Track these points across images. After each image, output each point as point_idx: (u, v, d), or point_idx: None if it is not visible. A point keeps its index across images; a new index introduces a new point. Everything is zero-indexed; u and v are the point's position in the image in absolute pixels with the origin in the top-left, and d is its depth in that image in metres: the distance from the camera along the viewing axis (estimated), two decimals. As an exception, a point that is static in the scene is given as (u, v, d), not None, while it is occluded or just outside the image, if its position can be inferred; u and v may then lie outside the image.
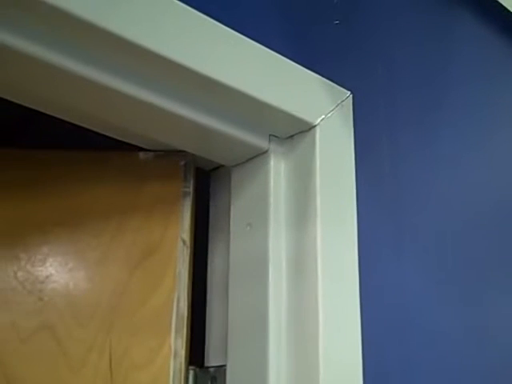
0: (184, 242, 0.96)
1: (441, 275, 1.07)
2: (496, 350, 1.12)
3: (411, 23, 1.16)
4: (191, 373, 0.95)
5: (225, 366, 0.93)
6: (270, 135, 0.93)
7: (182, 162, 1.00)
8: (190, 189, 0.99)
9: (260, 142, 0.92)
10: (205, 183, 1.05)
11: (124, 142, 0.94)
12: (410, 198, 1.06)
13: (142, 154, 1.00)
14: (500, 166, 1.26)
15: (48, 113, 0.85)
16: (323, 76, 0.93)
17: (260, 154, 0.94)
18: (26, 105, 0.83)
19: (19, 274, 0.94)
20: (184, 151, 0.97)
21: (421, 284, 1.04)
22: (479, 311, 1.12)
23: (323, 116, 0.92)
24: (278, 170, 0.93)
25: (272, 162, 0.93)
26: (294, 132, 0.93)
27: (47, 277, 0.95)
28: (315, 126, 0.91)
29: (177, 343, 0.93)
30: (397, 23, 1.12)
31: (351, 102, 0.97)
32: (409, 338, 0.99)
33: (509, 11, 1.32)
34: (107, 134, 0.91)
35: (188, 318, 0.94)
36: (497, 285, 1.17)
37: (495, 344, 1.13)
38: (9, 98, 0.81)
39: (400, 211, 1.03)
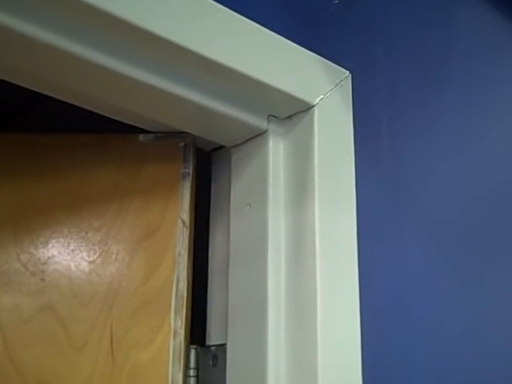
0: (184, 222, 0.97)
1: (440, 255, 1.08)
2: (497, 335, 1.12)
3: (412, 2, 1.15)
4: (192, 351, 0.96)
5: (225, 344, 0.93)
6: (268, 115, 0.93)
7: (182, 144, 1.00)
8: (190, 170, 0.99)
9: (259, 123, 0.92)
10: (206, 164, 1.05)
11: (125, 124, 0.94)
12: (409, 178, 1.06)
13: (141, 136, 1.00)
14: (502, 148, 1.26)
15: (49, 94, 0.85)
16: (322, 56, 0.93)
17: (259, 135, 0.94)
18: (27, 87, 0.83)
19: (22, 255, 0.95)
20: (184, 132, 0.97)
21: (419, 262, 1.04)
22: (480, 294, 1.12)
23: (322, 96, 0.92)
24: (276, 150, 0.93)
25: (271, 143, 0.93)
26: (292, 112, 0.93)
27: (49, 258, 0.95)
28: (314, 106, 0.92)
29: (176, 322, 0.93)
30: (397, 3, 1.12)
31: (350, 81, 0.97)
32: (407, 314, 1.00)
33: (513, -10, 1.31)
34: (109, 115, 0.91)
35: (188, 297, 0.95)
36: (498, 267, 1.17)
37: (496, 329, 1.12)
38: (9, 79, 0.81)
39: (399, 191, 1.03)
